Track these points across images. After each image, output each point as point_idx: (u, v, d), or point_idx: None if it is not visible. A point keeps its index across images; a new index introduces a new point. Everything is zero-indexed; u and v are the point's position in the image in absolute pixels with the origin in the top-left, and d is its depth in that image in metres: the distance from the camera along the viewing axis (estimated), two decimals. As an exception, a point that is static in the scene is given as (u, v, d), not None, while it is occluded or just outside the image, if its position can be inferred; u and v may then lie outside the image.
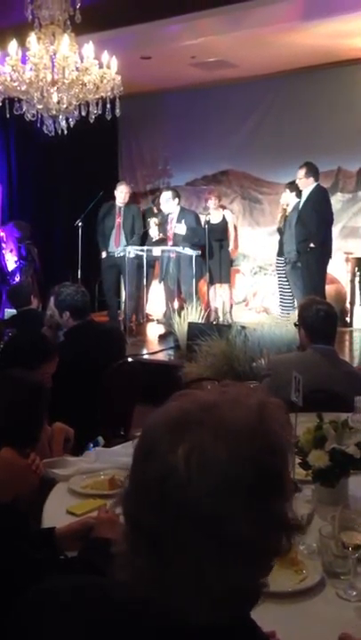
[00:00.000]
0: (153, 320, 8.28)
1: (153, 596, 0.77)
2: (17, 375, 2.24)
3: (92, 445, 2.60)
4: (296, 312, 6.87)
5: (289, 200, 7.18)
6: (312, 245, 6.62)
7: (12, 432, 2.02)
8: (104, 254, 7.79)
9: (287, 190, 7.19)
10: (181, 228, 7.25)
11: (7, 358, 2.74)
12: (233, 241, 8.11)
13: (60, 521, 1.87)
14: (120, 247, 7.62)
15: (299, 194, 7.11)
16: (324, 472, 1.89)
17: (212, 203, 7.86)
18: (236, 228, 8.26)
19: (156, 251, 7.43)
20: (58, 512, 1.97)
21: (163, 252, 7.36)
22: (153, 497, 0.76)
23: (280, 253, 7.42)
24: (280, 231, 7.43)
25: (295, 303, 7.26)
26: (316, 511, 1.73)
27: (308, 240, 6.65)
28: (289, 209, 7.15)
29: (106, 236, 7.81)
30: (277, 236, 7.53)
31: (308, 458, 1.92)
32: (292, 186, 7.13)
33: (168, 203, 7.34)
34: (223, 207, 8.08)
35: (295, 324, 3.41)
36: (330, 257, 6.85)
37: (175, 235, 7.34)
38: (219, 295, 7.87)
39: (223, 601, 0.77)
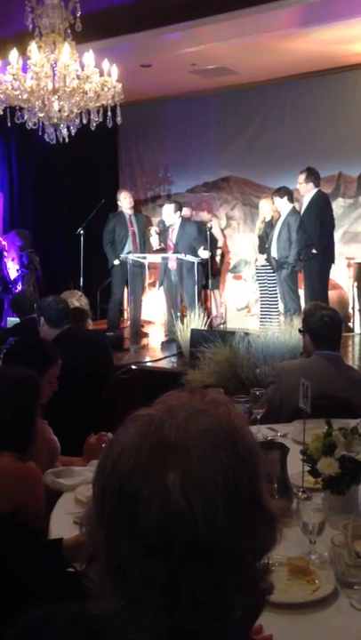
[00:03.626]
0: (153, 324, 8.30)
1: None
2: (3, 370, 2.20)
3: None
4: (281, 318, 7.06)
5: (280, 207, 7.19)
6: (314, 251, 6.62)
7: (5, 432, 1.98)
8: (117, 262, 7.68)
9: (277, 198, 7.18)
10: (205, 254, 7.20)
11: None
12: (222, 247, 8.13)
13: (67, 531, 1.85)
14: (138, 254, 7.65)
15: (291, 199, 7.13)
16: (334, 480, 1.87)
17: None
18: (223, 232, 8.27)
19: (157, 258, 7.42)
20: (65, 522, 1.95)
21: (164, 259, 7.35)
22: (155, 543, 0.69)
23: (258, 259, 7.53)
24: (261, 238, 7.47)
25: (280, 308, 7.33)
26: (327, 520, 1.70)
27: (311, 246, 6.66)
28: (283, 214, 7.16)
29: (117, 244, 7.77)
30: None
31: (318, 465, 1.90)
32: (281, 192, 7.13)
33: (170, 215, 7.32)
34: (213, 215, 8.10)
35: (299, 331, 3.39)
36: (333, 262, 6.86)
37: (177, 244, 7.33)
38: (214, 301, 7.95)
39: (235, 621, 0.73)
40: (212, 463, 0.71)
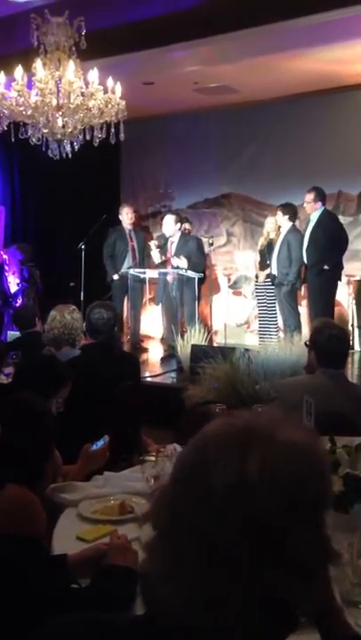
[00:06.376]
0: (152, 339, 8.31)
1: (195, 616, 0.75)
2: (23, 399, 2.20)
3: (100, 441, 2.60)
4: (280, 334, 7.08)
5: (282, 222, 7.24)
6: (326, 267, 6.66)
7: (18, 463, 1.95)
8: (116, 276, 7.78)
9: (279, 213, 7.25)
10: (182, 263, 7.26)
11: (22, 385, 2.70)
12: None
13: (70, 547, 1.84)
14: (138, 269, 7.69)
15: (293, 217, 7.18)
16: (338, 498, 1.87)
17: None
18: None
19: (156, 273, 7.44)
20: (68, 538, 1.94)
21: (164, 274, 7.37)
22: (218, 507, 0.74)
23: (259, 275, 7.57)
24: (262, 253, 7.51)
25: (279, 324, 7.34)
26: (332, 538, 1.70)
27: (321, 262, 6.69)
28: (283, 231, 7.21)
29: (117, 258, 7.82)
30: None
31: (322, 483, 1.90)
32: (286, 208, 7.20)
33: (171, 226, 7.36)
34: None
35: (306, 344, 3.39)
36: (340, 280, 6.92)
37: (172, 263, 7.36)
38: None
39: (269, 622, 0.76)
40: (291, 459, 0.77)
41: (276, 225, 7.41)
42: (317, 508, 0.78)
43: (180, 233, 7.44)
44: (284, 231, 7.21)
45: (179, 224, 7.45)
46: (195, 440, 0.81)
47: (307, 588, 0.77)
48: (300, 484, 0.76)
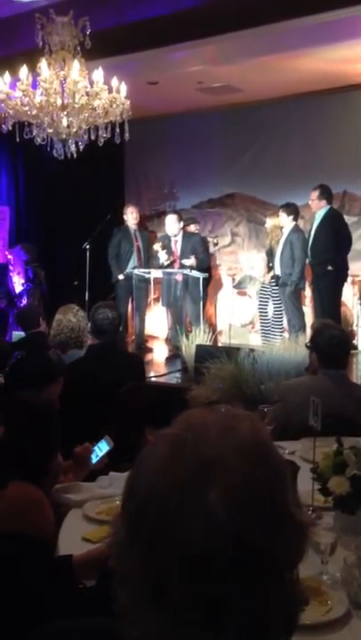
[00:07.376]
0: (157, 339, 8.30)
1: None
2: (26, 399, 2.20)
3: (103, 442, 2.59)
4: (285, 335, 7.06)
5: (285, 222, 7.22)
6: (330, 268, 6.63)
7: (21, 462, 1.96)
8: (121, 277, 7.80)
9: (283, 213, 7.23)
10: (191, 262, 7.25)
11: (13, 380, 2.72)
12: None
13: (75, 548, 1.83)
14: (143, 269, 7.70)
15: (295, 216, 7.16)
16: (344, 499, 1.86)
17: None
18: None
19: (159, 273, 7.44)
20: (73, 539, 1.94)
21: (169, 274, 7.37)
22: (198, 560, 0.68)
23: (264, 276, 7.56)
24: (268, 253, 7.50)
25: (284, 325, 7.32)
26: (339, 540, 1.69)
27: (325, 263, 6.66)
28: (285, 231, 7.18)
29: (122, 259, 7.83)
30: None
31: (329, 484, 1.89)
32: (288, 208, 7.17)
33: (173, 225, 7.36)
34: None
35: (306, 346, 3.39)
36: (345, 281, 6.90)
37: (181, 255, 7.36)
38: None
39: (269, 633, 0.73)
40: (251, 479, 0.71)
41: (275, 226, 7.38)
42: (287, 505, 0.74)
43: (182, 232, 7.44)
44: (286, 231, 7.18)
45: (181, 223, 7.45)
46: (143, 484, 0.73)
47: (292, 586, 0.74)
48: (267, 501, 0.72)
